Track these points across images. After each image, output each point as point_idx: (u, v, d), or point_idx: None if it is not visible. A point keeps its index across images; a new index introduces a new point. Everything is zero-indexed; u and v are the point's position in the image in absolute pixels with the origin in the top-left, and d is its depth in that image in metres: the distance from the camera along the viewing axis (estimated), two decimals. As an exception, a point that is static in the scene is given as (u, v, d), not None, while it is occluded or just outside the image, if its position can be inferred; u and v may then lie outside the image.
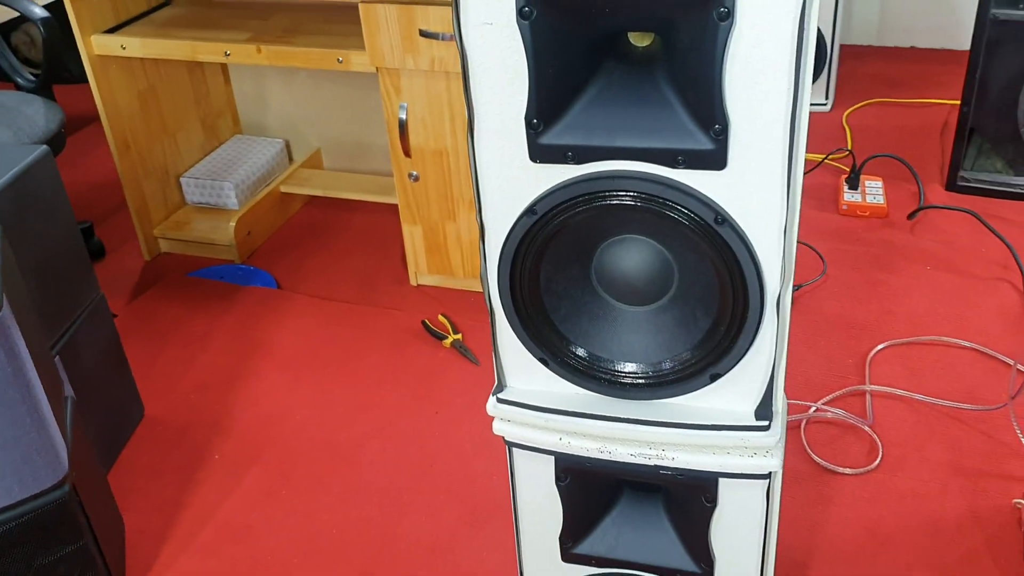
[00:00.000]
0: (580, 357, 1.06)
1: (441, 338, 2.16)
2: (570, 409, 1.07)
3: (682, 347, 1.02)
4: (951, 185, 2.56)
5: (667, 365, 1.03)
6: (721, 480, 1.08)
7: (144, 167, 2.47)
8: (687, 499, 1.13)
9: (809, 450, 1.79)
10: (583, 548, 1.20)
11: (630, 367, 1.05)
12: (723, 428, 1.03)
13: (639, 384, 1.05)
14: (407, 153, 2.13)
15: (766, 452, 1.05)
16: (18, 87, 2.37)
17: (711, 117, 0.87)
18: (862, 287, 2.23)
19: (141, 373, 2.12)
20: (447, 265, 2.28)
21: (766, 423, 1.03)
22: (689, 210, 0.92)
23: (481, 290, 2.31)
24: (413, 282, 2.36)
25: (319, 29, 2.21)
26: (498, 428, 1.13)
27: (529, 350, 1.06)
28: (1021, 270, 2.21)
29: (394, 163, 2.17)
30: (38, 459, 1.37)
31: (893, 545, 1.61)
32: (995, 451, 1.76)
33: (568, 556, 1.21)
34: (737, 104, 0.87)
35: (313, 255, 2.52)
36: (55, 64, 2.26)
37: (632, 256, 1.01)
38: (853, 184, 2.54)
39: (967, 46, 2.45)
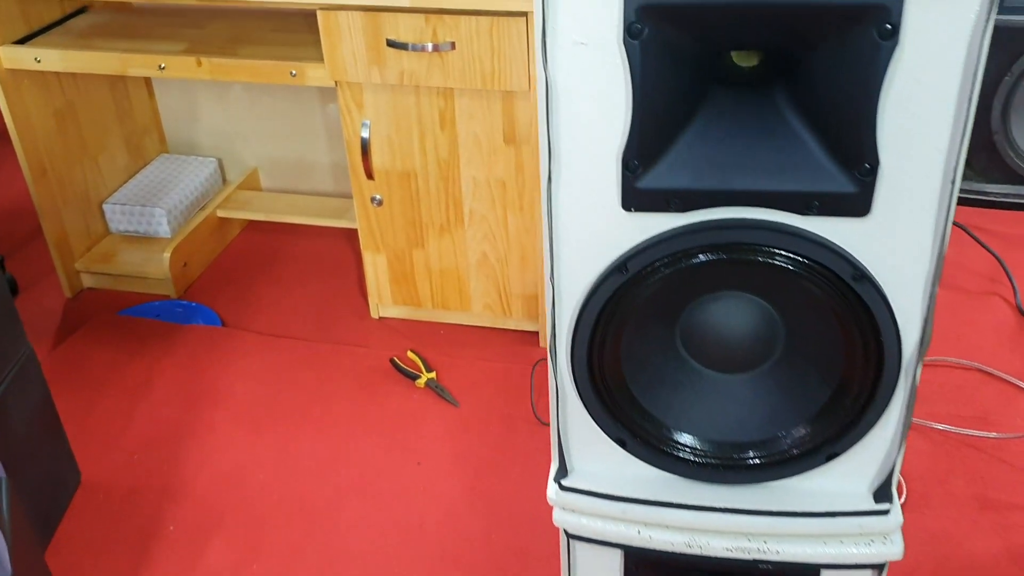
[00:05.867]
0: (664, 435, 0.89)
1: (413, 377, 1.97)
2: (652, 498, 0.91)
3: (791, 421, 0.86)
4: (924, 194, 2.49)
5: (772, 445, 0.88)
6: (824, 572, 0.93)
7: (63, 194, 2.20)
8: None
9: (829, 490, 1.66)
10: (649, 646, 1.04)
11: (724, 446, 0.89)
12: (837, 515, 0.88)
13: (736, 467, 0.89)
14: (369, 175, 1.93)
15: (884, 538, 0.90)
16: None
17: (858, 154, 0.72)
18: (852, 305, 2.12)
19: (74, 432, 1.86)
20: (414, 295, 2.09)
21: (886, 506, 0.88)
22: (823, 265, 0.76)
23: (453, 322, 2.13)
24: (375, 314, 2.16)
25: (266, 38, 2.00)
26: (560, 519, 0.95)
27: (604, 429, 0.89)
28: (1012, 283, 2.14)
29: (354, 186, 1.96)
30: (-24, 567, 1.13)
31: (934, 593, 1.49)
32: (1020, 480, 1.67)
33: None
34: (890, 138, 0.71)
35: (258, 287, 2.29)
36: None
37: (727, 314, 0.84)
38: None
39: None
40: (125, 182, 2.40)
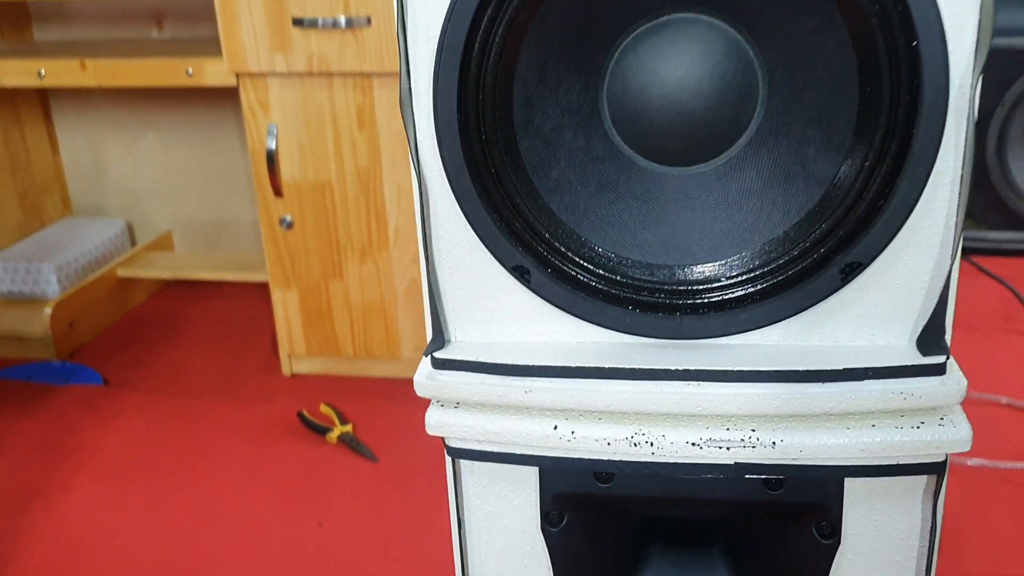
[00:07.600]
0: (587, 257, 0.57)
1: (324, 431, 1.62)
2: (575, 364, 0.58)
3: (782, 219, 0.55)
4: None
5: (753, 258, 0.56)
6: (849, 484, 0.59)
7: (-68, 241, 1.91)
8: (780, 539, 0.63)
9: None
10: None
11: (679, 271, 0.57)
12: (863, 375, 0.55)
13: (700, 303, 0.57)
14: (278, 192, 1.66)
15: (940, 416, 0.57)
16: None
17: None
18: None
19: None
20: (332, 342, 1.77)
21: (941, 357, 0.56)
22: None
23: (380, 375, 1.80)
24: (287, 370, 1.83)
25: (163, 50, 1.76)
26: (435, 421, 0.62)
27: (495, 253, 0.57)
28: (1032, 318, 1.84)
29: (261, 207, 1.68)
30: None
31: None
32: (1079, 520, 1.32)
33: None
34: None
35: (157, 349, 1.96)
36: None
37: (679, 60, 0.55)
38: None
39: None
40: (16, 242, 2.11)
